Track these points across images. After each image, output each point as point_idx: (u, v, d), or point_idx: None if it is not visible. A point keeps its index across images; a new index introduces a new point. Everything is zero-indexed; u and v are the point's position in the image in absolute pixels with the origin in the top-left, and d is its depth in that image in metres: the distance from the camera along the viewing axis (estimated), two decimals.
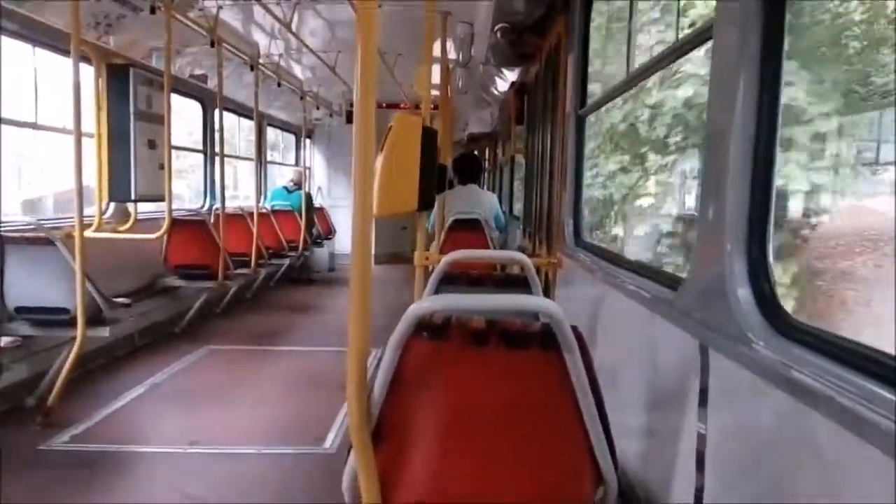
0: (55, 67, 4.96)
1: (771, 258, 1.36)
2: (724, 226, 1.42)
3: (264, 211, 8.45)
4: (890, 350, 0.99)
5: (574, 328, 1.40)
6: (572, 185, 3.49)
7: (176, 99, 7.39)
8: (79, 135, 4.01)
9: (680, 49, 1.91)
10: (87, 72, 5.18)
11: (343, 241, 11.62)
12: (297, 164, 11.40)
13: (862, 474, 0.97)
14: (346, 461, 1.55)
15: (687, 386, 1.62)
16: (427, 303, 1.41)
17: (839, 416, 1.00)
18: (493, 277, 2.46)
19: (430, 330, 1.43)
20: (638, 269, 2.25)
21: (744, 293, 1.35)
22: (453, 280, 2.51)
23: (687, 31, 1.83)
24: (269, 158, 10.60)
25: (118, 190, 5.26)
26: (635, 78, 2.42)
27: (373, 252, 9.59)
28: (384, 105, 10.60)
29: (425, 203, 3.15)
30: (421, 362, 1.47)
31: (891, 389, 0.92)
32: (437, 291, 2.46)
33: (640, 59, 2.39)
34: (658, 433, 2.00)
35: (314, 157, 12.08)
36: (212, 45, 5.88)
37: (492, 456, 1.51)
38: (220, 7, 5.71)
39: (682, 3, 2.05)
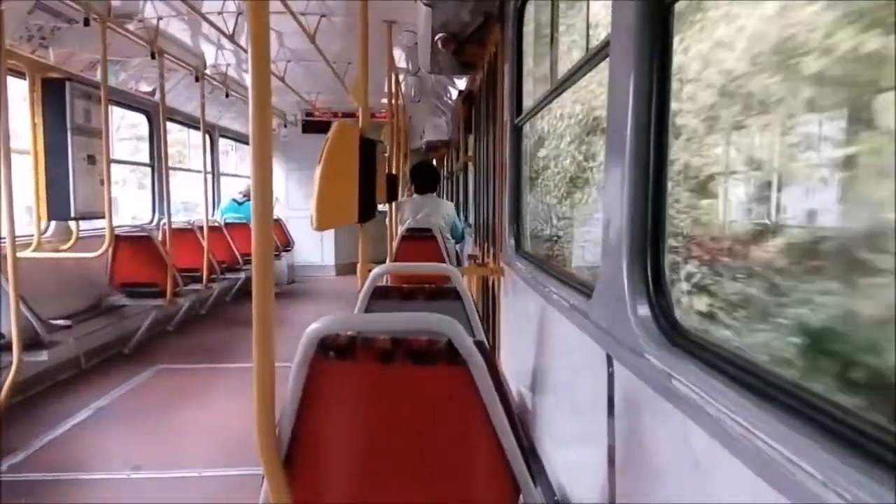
0: None
1: (667, 270, 1.39)
2: (622, 237, 1.44)
3: (216, 224, 8.31)
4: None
5: (479, 343, 1.41)
6: (512, 193, 3.52)
7: (125, 112, 7.29)
8: (7, 151, 3.89)
9: (588, 62, 1.95)
10: (22, 86, 5.06)
11: (303, 252, 11.52)
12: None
13: (729, 486, 0.99)
14: (261, 487, 1.53)
15: (599, 395, 1.65)
16: (322, 324, 1.40)
17: (708, 427, 1.02)
18: (425, 291, 2.46)
19: (335, 350, 1.42)
20: (564, 278, 2.27)
21: (640, 304, 1.38)
22: (386, 294, 2.50)
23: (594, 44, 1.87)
24: (222, 170, 10.46)
25: (57, 207, 5.13)
26: (557, 88, 2.46)
27: (333, 263, 9.57)
28: (340, 115, 10.59)
29: (366, 214, 3.15)
30: (329, 383, 1.46)
31: (758, 401, 0.94)
32: (369, 305, 2.45)
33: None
34: (578, 441, 2.03)
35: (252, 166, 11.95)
36: (152, 56, 5.78)
37: (406, 473, 1.51)
38: (160, 19, 5.62)
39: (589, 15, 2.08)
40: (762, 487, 0.86)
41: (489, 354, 1.42)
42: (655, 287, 1.37)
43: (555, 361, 2.40)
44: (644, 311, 1.37)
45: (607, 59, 1.63)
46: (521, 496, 1.54)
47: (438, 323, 1.36)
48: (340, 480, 1.52)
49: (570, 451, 2.14)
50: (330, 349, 1.41)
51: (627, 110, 1.40)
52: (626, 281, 1.43)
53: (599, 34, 1.96)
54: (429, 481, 1.51)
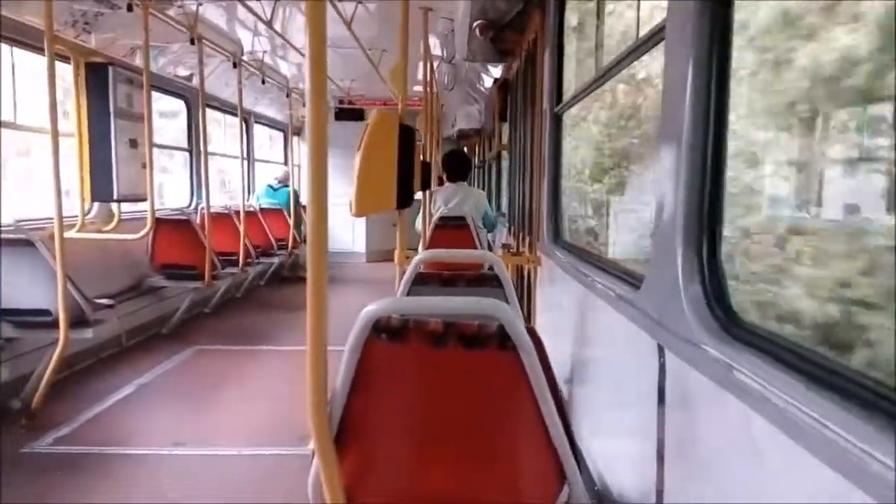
0: (34, 67, 4.93)
1: (723, 259, 1.37)
2: (676, 226, 1.43)
3: (251, 209, 8.43)
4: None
5: (531, 329, 1.41)
6: (550, 182, 3.49)
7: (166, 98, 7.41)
8: (55, 134, 3.99)
9: (638, 48, 1.92)
10: (67, 71, 5.17)
11: (335, 238, 11.62)
12: (284, 161, 11.37)
13: (797, 477, 0.98)
14: (311, 465, 1.56)
15: (648, 385, 1.64)
16: (377, 305, 1.41)
17: (773, 417, 1.01)
18: (465, 277, 2.47)
19: (388, 332, 1.44)
20: (608, 268, 2.26)
21: (695, 294, 1.36)
22: (427, 280, 2.52)
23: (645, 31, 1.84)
24: (257, 157, 10.57)
25: (100, 190, 5.24)
26: (603, 76, 2.43)
27: (364, 250, 9.64)
28: (377, 103, 10.61)
29: (404, 201, 3.16)
30: (381, 365, 1.48)
31: (822, 391, 0.93)
32: (410, 291, 2.47)
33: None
34: (623, 432, 2.02)
35: (303, 155, 12.05)
36: (192, 42, 5.85)
37: (454, 456, 1.53)
38: (199, 4, 5.68)
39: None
40: (833, 478, 0.85)
41: (540, 341, 1.42)
42: (711, 275, 1.35)
43: (598, 351, 2.40)
44: (699, 299, 1.35)
45: (660, 45, 1.61)
46: (564, 487, 1.55)
47: (493, 308, 1.37)
48: (389, 461, 1.55)
49: (613, 440, 2.14)
50: (383, 331, 1.43)
51: (685, 95, 1.38)
52: (679, 269, 1.41)
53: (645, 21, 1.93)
54: (476, 465, 1.53)
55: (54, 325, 4.02)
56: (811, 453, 0.91)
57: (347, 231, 11.74)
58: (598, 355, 2.41)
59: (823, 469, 0.88)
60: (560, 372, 3.04)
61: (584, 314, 2.57)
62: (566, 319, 2.84)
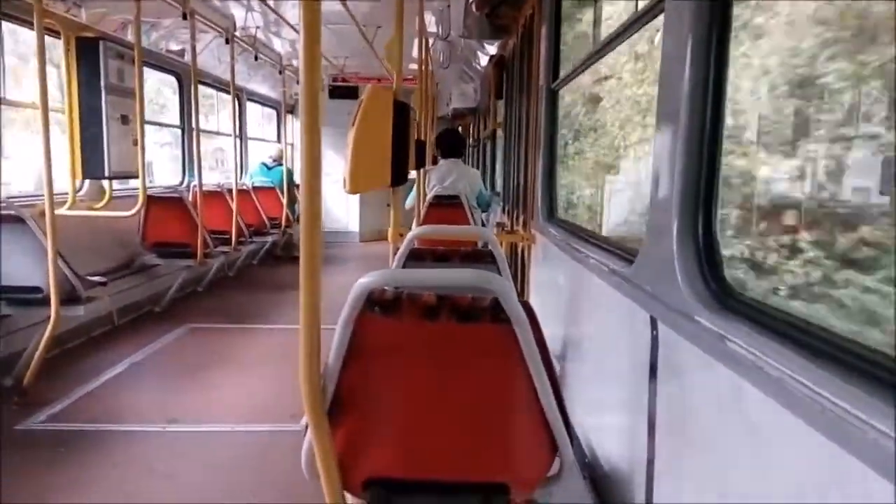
0: (23, 41, 4.85)
1: (718, 232, 1.37)
2: (672, 200, 1.42)
3: (244, 188, 8.37)
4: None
5: (525, 302, 1.41)
6: (546, 160, 3.48)
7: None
8: (45, 110, 3.93)
9: (637, 21, 1.90)
10: (57, 45, 5.09)
11: (329, 217, 11.57)
12: (278, 139, 11.28)
13: (791, 446, 0.99)
14: (304, 438, 1.56)
15: (640, 359, 1.65)
16: (371, 278, 1.41)
17: (766, 387, 1.01)
18: (459, 253, 2.46)
19: (381, 306, 1.43)
20: (602, 244, 2.26)
21: (689, 266, 1.36)
22: (421, 256, 2.51)
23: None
24: (251, 135, 10.49)
25: (92, 167, 5.19)
26: (601, 50, 2.41)
27: (358, 230, 9.58)
28: (371, 80, 10.50)
29: (399, 178, 3.14)
30: (374, 338, 1.47)
31: (816, 360, 0.93)
32: (404, 268, 2.46)
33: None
34: (615, 404, 2.04)
35: (297, 133, 11.95)
36: (184, 17, 5.76)
37: (447, 429, 1.53)
38: None
39: None
40: (828, 446, 0.86)
41: (534, 315, 1.42)
42: (705, 248, 1.35)
43: (592, 325, 2.40)
44: (694, 273, 1.35)
45: (658, 18, 1.59)
46: (556, 459, 1.56)
47: (487, 280, 1.36)
48: (382, 434, 1.55)
49: (605, 413, 2.15)
50: (376, 304, 1.42)
51: (683, 70, 1.37)
52: (674, 242, 1.41)
53: None
54: (468, 437, 1.53)
55: (45, 302, 4.00)
56: (805, 422, 0.92)
57: (341, 210, 11.70)
58: (591, 330, 2.42)
59: (818, 437, 0.88)
60: (553, 347, 3.05)
61: (578, 290, 2.58)
62: (560, 295, 2.84)
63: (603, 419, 2.17)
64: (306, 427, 1.51)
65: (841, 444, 0.84)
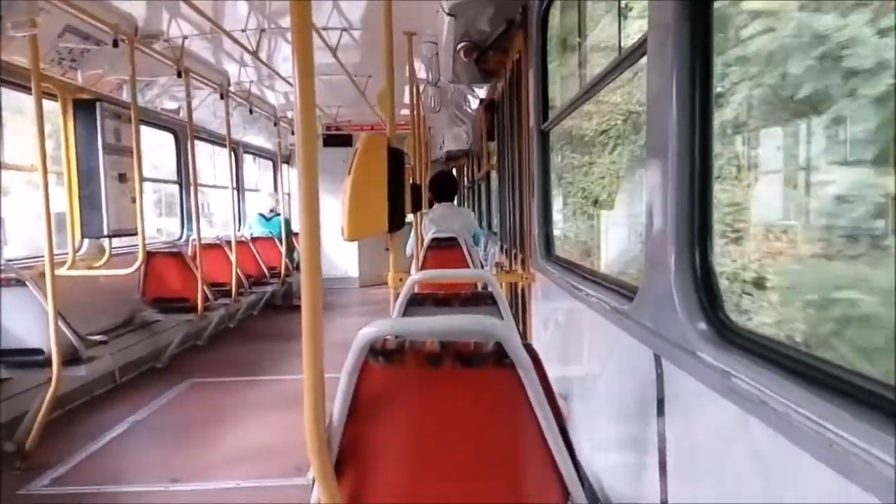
0: (20, 105, 4.95)
1: (715, 266, 1.38)
2: (667, 235, 1.44)
3: (243, 239, 8.41)
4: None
5: (528, 345, 1.41)
6: (540, 199, 3.51)
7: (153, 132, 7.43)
8: (45, 172, 3.99)
9: (622, 62, 1.95)
10: (55, 108, 5.19)
11: (328, 264, 11.60)
12: (275, 189, 11.38)
13: (799, 480, 0.98)
14: (311, 492, 1.54)
15: (646, 396, 1.63)
16: (373, 328, 1.41)
17: (772, 422, 1.01)
18: (460, 297, 2.46)
19: (384, 355, 1.43)
20: (602, 281, 2.27)
21: (689, 302, 1.37)
22: (422, 301, 2.51)
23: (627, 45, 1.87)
24: (247, 186, 10.59)
25: (91, 226, 5.23)
26: (588, 91, 2.46)
27: (357, 275, 9.57)
28: (365, 127, 10.68)
29: (395, 224, 3.17)
30: (378, 388, 1.47)
31: (820, 393, 0.93)
32: (405, 313, 2.46)
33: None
34: (624, 444, 2.01)
35: (293, 183, 12.06)
36: (179, 75, 5.88)
37: (456, 476, 1.51)
38: (185, 38, 5.72)
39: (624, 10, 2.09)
40: (836, 479, 0.85)
41: (537, 357, 1.42)
42: (704, 284, 1.36)
43: (596, 364, 2.39)
44: (694, 309, 1.36)
45: (642, 59, 1.64)
46: (569, 500, 1.53)
47: (490, 326, 1.36)
48: (390, 483, 1.53)
49: (614, 453, 2.12)
50: (379, 354, 1.42)
51: (671, 107, 1.40)
52: (672, 280, 1.42)
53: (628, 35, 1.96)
54: (478, 484, 1.51)
55: (47, 363, 3.98)
56: (812, 455, 0.91)
57: (341, 257, 11.72)
58: (595, 368, 2.41)
59: (825, 470, 0.87)
60: (558, 387, 3.03)
61: (580, 328, 2.57)
62: (562, 334, 2.83)
63: (613, 460, 2.14)
64: (314, 481, 1.49)
65: (848, 476, 0.83)
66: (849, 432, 0.84)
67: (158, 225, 8.73)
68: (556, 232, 3.58)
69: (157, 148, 7.95)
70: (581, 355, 2.60)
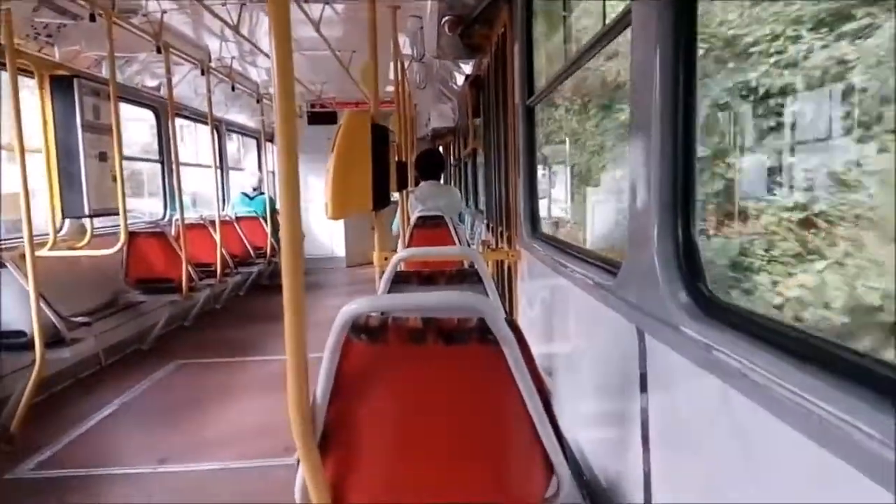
0: None
1: (698, 241, 1.38)
2: (651, 211, 1.43)
3: (227, 219, 8.33)
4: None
5: (511, 321, 1.40)
6: (526, 176, 3.50)
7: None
8: (22, 150, 3.90)
9: (606, 35, 1.92)
10: (31, 85, 5.07)
11: (314, 243, 11.53)
12: (259, 168, 11.27)
13: (780, 452, 0.98)
14: (297, 471, 1.53)
15: (629, 371, 1.64)
16: (355, 305, 1.39)
17: (754, 395, 1.01)
18: (445, 274, 2.45)
19: (367, 332, 1.42)
20: (586, 257, 2.26)
21: (672, 276, 1.37)
22: (407, 279, 2.50)
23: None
24: (231, 164, 10.47)
25: (71, 205, 5.15)
26: (573, 65, 2.44)
27: (344, 255, 9.54)
28: (350, 104, 10.55)
29: (380, 202, 3.14)
30: (362, 365, 1.46)
31: (800, 365, 0.93)
32: (390, 291, 2.45)
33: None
34: (607, 418, 2.03)
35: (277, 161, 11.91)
36: (158, 51, 5.76)
37: (440, 453, 1.51)
38: (164, 12, 5.60)
39: None
40: (816, 451, 0.85)
41: (521, 333, 1.41)
42: (687, 258, 1.36)
43: (580, 340, 2.40)
44: (677, 283, 1.35)
45: (626, 31, 1.61)
46: (552, 478, 1.54)
47: (472, 301, 1.36)
48: (374, 461, 1.53)
49: (598, 428, 2.14)
50: (361, 331, 1.41)
51: (654, 80, 1.38)
52: (655, 254, 1.42)
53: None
54: (462, 460, 1.51)
55: (30, 346, 3.94)
56: (794, 428, 0.91)
57: (326, 236, 11.66)
58: (580, 344, 2.42)
59: (807, 443, 0.88)
60: (543, 363, 3.04)
61: (565, 305, 2.58)
62: (547, 311, 2.84)
63: (597, 434, 2.16)
64: (299, 460, 1.49)
65: (829, 448, 0.84)
66: (829, 403, 0.84)
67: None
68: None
69: (126, 122, 7.81)
70: (566, 332, 2.60)
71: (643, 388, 1.58)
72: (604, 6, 2.03)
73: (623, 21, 1.67)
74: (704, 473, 1.28)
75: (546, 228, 3.62)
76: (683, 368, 1.29)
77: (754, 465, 1.07)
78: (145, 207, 8.70)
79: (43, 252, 4.59)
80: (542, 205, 4.17)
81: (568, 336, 2.59)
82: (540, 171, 3.70)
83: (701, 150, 1.46)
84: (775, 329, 1.08)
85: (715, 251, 2.38)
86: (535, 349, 1.48)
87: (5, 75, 3.94)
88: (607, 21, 1.94)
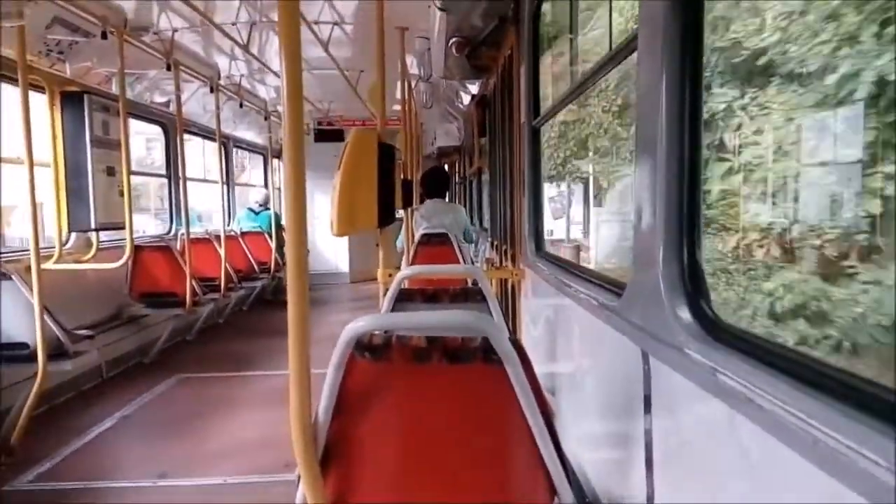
0: (6, 97, 4.88)
1: (703, 263, 1.38)
2: (656, 232, 1.43)
3: (233, 234, 8.36)
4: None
5: (515, 340, 1.40)
6: (531, 195, 3.51)
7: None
8: (31, 165, 3.94)
9: (613, 58, 1.94)
10: (42, 100, 5.13)
11: (318, 259, 11.54)
12: (265, 184, 11.33)
13: (786, 478, 0.98)
14: (297, 489, 1.53)
15: (633, 392, 1.63)
16: (359, 323, 1.40)
17: (759, 419, 1.01)
18: (449, 293, 2.46)
19: (371, 350, 1.42)
20: (590, 277, 2.26)
21: (677, 299, 1.37)
22: (411, 297, 2.50)
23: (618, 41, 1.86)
24: (238, 180, 10.54)
25: (77, 219, 5.19)
26: (579, 87, 2.46)
27: (348, 271, 9.56)
28: (356, 122, 10.62)
29: (385, 219, 3.16)
30: (365, 383, 1.45)
31: (808, 391, 0.93)
32: (394, 309, 2.45)
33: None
34: (612, 440, 2.01)
35: (284, 177, 11.96)
36: (168, 68, 5.83)
37: (442, 473, 1.50)
38: (175, 31, 5.67)
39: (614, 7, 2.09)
40: (823, 478, 0.85)
41: (525, 353, 1.41)
42: (692, 281, 1.36)
43: (584, 361, 2.39)
44: (681, 305, 1.35)
45: (633, 55, 1.63)
46: (556, 496, 1.53)
47: (477, 321, 1.35)
48: (376, 480, 1.52)
49: (601, 450, 2.13)
50: (365, 349, 1.41)
51: (660, 103, 1.40)
52: (661, 276, 1.42)
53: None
54: (464, 481, 1.50)
55: (32, 358, 3.94)
56: (799, 454, 0.91)
57: (331, 252, 11.68)
58: (584, 365, 2.41)
59: (812, 469, 0.87)
60: (546, 383, 3.03)
61: (569, 325, 2.57)
62: (551, 330, 2.83)
63: (600, 456, 2.14)
64: (299, 477, 1.48)
65: (835, 475, 0.83)
66: (836, 431, 0.84)
67: None
68: None
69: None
70: (569, 352, 2.60)
71: (647, 410, 1.57)
72: (610, 30, 2.06)
73: (630, 46, 1.69)
74: (709, 498, 1.27)
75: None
76: (688, 391, 1.28)
77: (760, 492, 1.06)
78: (137, 224, 8.73)
79: (48, 265, 4.61)
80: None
81: (571, 356, 2.59)
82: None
83: None
84: (781, 353, 1.08)
85: None
86: (538, 368, 1.47)
87: (13, 89, 3.99)
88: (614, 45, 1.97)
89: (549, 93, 3.55)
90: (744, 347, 1.16)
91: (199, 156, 9.47)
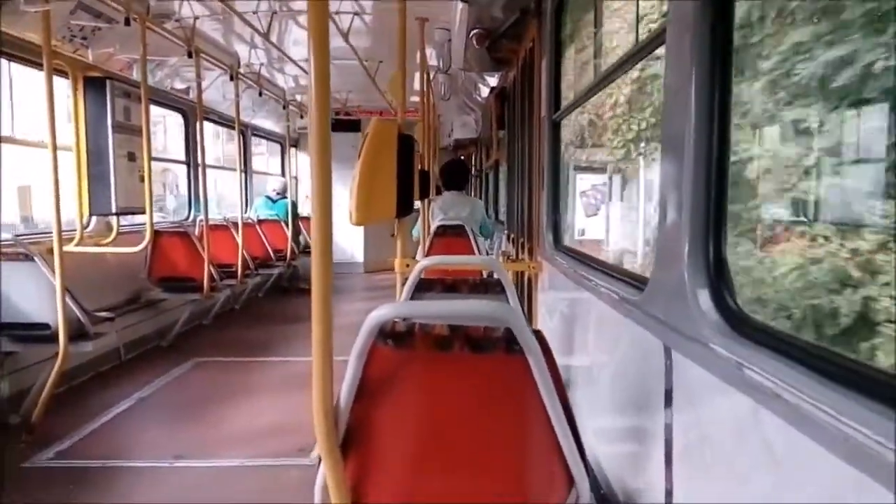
0: (31, 81, 4.94)
1: (727, 258, 1.38)
2: (681, 227, 1.43)
3: (250, 221, 8.42)
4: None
5: (537, 332, 1.41)
6: (550, 189, 3.51)
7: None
8: (54, 148, 3.99)
9: (638, 53, 1.93)
10: (65, 85, 5.19)
11: (335, 248, 11.55)
12: (282, 172, 11.39)
13: (812, 473, 0.98)
14: (318, 471, 1.55)
15: (654, 387, 1.64)
16: (383, 310, 1.41)
17: (785, 414, 1.01)
18: (468, 283, 2.46)
19: (393, 338, 1.43)
20: (611, 271, 2.26)
21: (702, 294, 1.37)
22: (430, 286, 2.52)
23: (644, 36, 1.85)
24: (255, 168, 10.59)
25: (98, 203, 5.26)
26: (602, 81, 2.45)
27: (363, 261, 9.60)
28: (374, 113, 10.62)
29: (404, 210, 3.17)
30: (387, 370, 1.47)
31: (835, 386, 0.93)
32: (412, 298, 2.46)
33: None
34: (630, 434, 2.02)
35: (301, 166, 12.03)
36: (189, 55, 5.87)
37: (461, 461, 1.52)
38: (196, 18, 5.70)
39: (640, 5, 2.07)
40: (849, 471, 0.85)
41: (546, 344, 1.42)
42: (717, 275, 1.36)
43: (603, 354, 2.39)
44: (706, 300, 1.35)
45: (660, 49, 1.62)
46: (572, 491, 1.54)
47: (501, 311, 1.36)
48: (395, 465, 1.54)
49: (620, 443, 2.13)
50: (388, 337, 1.42)
51: (689, 98, 1.39)
52: (686, 271, 1.42)
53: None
54: (483, 469, 1.52)
55: (53, 338, 4.01)
56: (825, 448, 0.91)
57: (346, 241, 11.73)
58: (603, 359, 2.41)
59: (839, 463, 0.88)
60: (565, 376, 3.03)
61: (588, 318, 2.57)
62: (569, 324, 2.83)
63: (618, 449, 2.15)
64: (319, 460, 1.50)
65: (864, 470, 0.83)
66: (862, 424, 0.84)
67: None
68: None
69: None
70: (588, 345, 2.60)
71: (668, 404, 1.58)
72: (637, 23, 2.05)
73: (657, 40, 1.68)
74: (730, 493, 1.28)
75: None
76: (712, 385, 1.29)
77: (784, 487, 1.06)
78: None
79: (70, 247, 4.67)
80: None
81: (589, 349, 2.59)
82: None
83: None
84: (808, 349, 1.08)
85: None
86: (557, 361, 1.48)
87: (32, 73, 4.04)
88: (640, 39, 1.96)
89: (569, 82, 3.53)
90: (770, 342, 1.16)
91: (213, 144, 9.54)
